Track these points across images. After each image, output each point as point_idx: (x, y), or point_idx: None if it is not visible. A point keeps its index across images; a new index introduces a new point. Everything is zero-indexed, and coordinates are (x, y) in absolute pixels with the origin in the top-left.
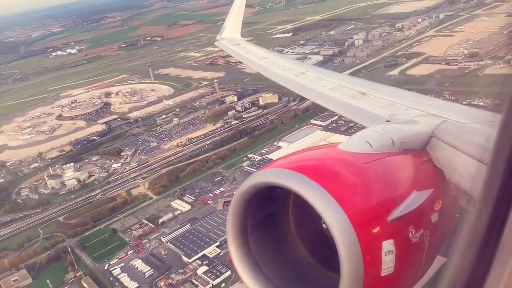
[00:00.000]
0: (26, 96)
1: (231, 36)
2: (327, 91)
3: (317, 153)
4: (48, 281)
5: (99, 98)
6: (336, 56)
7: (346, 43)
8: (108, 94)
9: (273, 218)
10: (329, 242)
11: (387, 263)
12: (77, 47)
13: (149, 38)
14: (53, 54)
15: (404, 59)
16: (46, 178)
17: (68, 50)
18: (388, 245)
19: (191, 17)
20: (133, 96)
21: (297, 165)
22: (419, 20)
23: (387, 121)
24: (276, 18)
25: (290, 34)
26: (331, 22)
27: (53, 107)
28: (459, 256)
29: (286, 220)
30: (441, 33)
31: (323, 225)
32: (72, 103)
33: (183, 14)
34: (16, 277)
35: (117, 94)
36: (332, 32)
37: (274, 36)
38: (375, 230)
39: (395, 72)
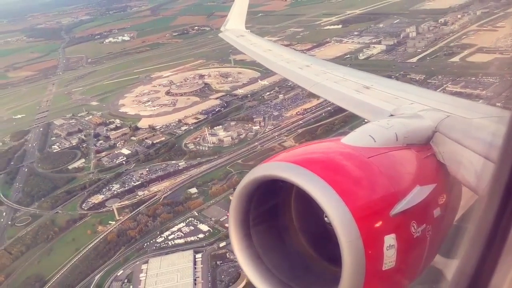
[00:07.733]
0: (116, 77)
1: (235, 28)
2: (331, 84)
3: (320, 147)
4: None
5: (194, 79)
6: (397, 46)
7: (401, 35)
8: (201, 76)
9: (275, 211)
10: (331, 236)
11: (389, 258)
12: (126, 34)
13: (196, 27)
14: (106, 40)
15: (459, 49)
16: (207, 135)
17: (121, 37)
18: (390, 240)
19: (225, 8)
20: (227, 78)
21: (300, 158)
22: (459, 16)
23: (391, 115)
24: (314, 11)
25: (340, 26)
26: (375, 16)
27: (155, 86)
28: (465, 253)
29: (288, 213)
30: (484, 28)
31: (325, 219)
32: (170, 83)
33: (213, 5)
34: None
35: (209, 76)
36: (381, 25)
37: (325, 28)
38: (377, 225)
39: (456, 59)
